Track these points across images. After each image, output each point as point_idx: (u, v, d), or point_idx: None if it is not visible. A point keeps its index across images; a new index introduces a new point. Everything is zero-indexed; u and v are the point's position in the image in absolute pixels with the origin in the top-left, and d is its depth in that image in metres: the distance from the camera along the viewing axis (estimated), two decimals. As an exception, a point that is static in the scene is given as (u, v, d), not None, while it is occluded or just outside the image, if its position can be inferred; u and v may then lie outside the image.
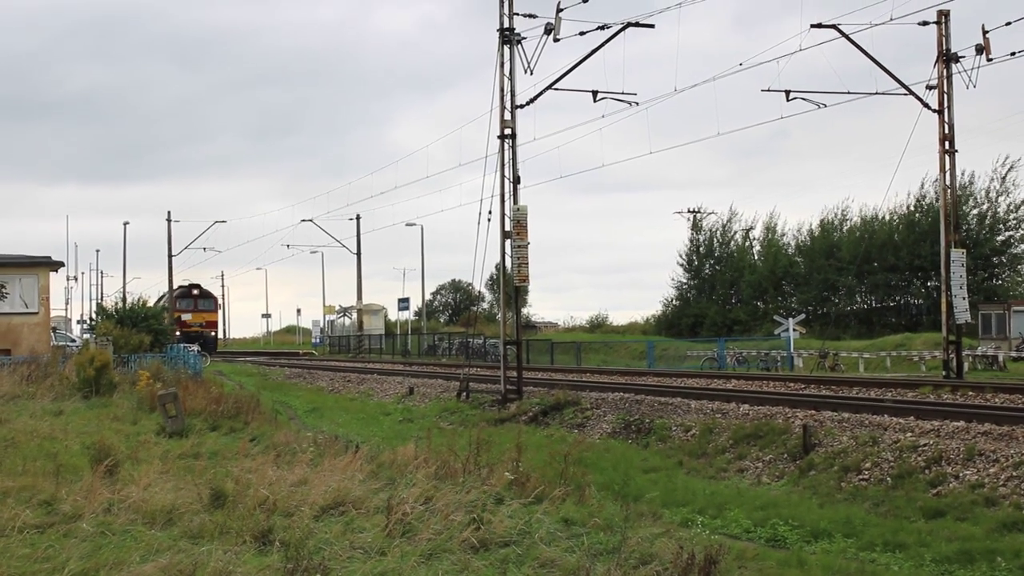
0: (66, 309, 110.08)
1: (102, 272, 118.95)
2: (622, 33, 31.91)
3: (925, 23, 33.87)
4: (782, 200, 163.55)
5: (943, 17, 33.96)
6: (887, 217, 74.23)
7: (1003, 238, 69.56)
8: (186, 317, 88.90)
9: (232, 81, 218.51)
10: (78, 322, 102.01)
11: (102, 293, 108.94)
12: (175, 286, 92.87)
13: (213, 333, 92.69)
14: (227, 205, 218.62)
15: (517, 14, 31.65)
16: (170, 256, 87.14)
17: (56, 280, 55.64)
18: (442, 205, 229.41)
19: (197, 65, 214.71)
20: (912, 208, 71.93)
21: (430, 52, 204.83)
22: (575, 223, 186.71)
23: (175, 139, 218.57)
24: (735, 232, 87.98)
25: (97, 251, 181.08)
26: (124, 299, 63.52)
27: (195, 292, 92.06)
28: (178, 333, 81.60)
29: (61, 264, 48.26)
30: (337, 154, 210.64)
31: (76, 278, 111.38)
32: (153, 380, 30.17)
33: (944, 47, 34.02)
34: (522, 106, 32.36)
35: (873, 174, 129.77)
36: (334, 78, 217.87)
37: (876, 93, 34.50)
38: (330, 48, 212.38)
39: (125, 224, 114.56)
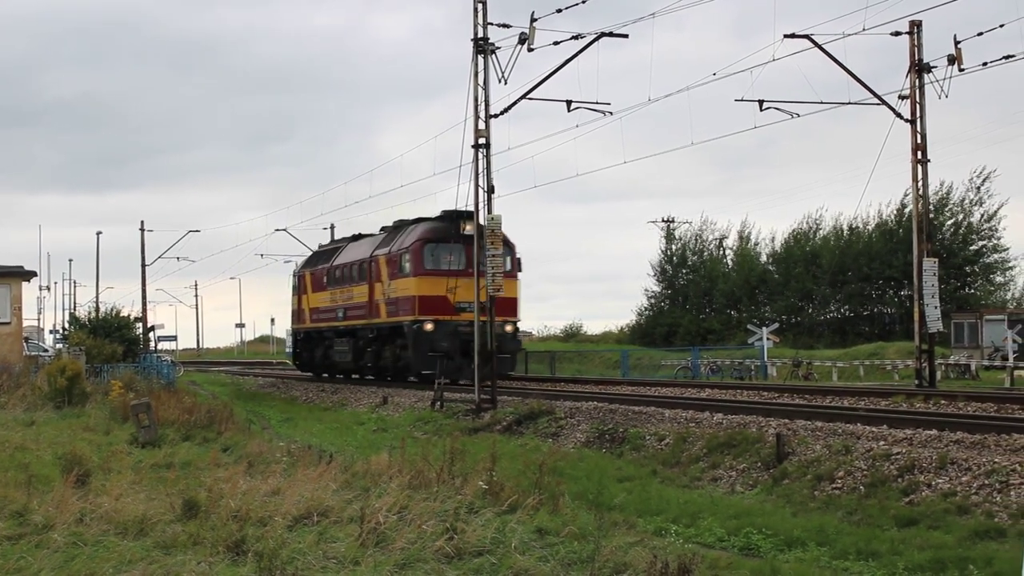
0: (39, 319, 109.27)
1: (75, 282, 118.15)
2: (596, 43, 31.97)
3: (898, 33, 33.97)
4: (766, 209, 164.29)
5: (915, 28, 34.08)
6: (861, 227, 74.73)
7: (976, 248, 69.96)
8: (441, 288, 40.18)
9: (223, 88, 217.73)
10: (51, 332, 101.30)
11: (75, 303, 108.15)
12: (409, 218, 45.50)
13: (511, 328, 41.23)
14: (214, 214, 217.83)
15: (491, 24, 31.69)
16: (143, 265, 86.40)
17: (29, 290, 55.32)
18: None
19: (188, 72, 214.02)
20: (894, 217, 72.23)
21: (423, 61, 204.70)
22: (552, 233, 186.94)
23: (161, 147, 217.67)
24: (709, 241, 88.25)
25: (70, 260, 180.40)
26: (97, 309, 63.26)
27: (468, 228, 38.14)
28: (428, 327, 39.76)
29: (33, 274, 48.04)
30: (326, 163, 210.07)
31: (49, 288, 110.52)
32: (126, 390, 30.11)
33: (916, 57, 34.16)
34: (496, 115, 32.38)
35: (856, 183, 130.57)
36: (327, 86, 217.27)
37: (848, 103, 34.62)
38: (324, 56, 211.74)
39: (98, 234, 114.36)
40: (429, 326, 39.64)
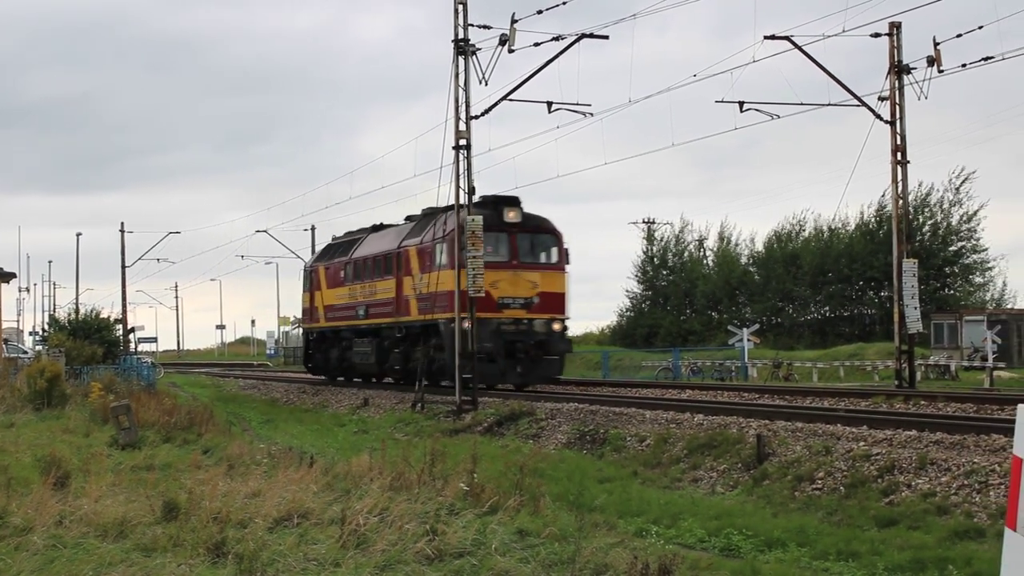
0: (18, 321, 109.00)
1: (55, 283, 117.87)
2: (577, 44, 32.04)
3: (877, 35, 34.08)
4: (749, 209, 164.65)
5: (895, 29, 34.20)
6: (842, 228, 74.88)
7: (955, 248, 70.15)
8: (487, 282, 33.15)
9: (205, 89, 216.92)
10: (30, 334, 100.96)
11: (54, 304, 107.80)
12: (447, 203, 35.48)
13: (558, 327, 37.60)
14: (195, 215, 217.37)
15: (472, 25, 31.70)
16: (123, 267, 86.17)
17: (8, 291, 55.15)
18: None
19: (170, 73, 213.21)
20: (874, 218, 72.37)
21: (405, 61, 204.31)
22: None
23: (143, 148, 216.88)
24: (689, 242, 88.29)
25: (50, 262, 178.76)
26: (77, 310, 63.02)
27: (511, 215, 36.74)
28: (465, 325, 32.81)
29: (13, 275, 47.93)
30: (307, 164, 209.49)
31: (28, 289, 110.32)
32: (106, 392, 30.01)
33: (896, 59, 34.27)
34: (477, 117, 32.39)
35: (837, 183, 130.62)
36: (308, 86, 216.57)
37: (828, 104, 34.74)
38: (306, 56, 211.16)
39: (78, 235, 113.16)
40: (468, 324, 33.39)
